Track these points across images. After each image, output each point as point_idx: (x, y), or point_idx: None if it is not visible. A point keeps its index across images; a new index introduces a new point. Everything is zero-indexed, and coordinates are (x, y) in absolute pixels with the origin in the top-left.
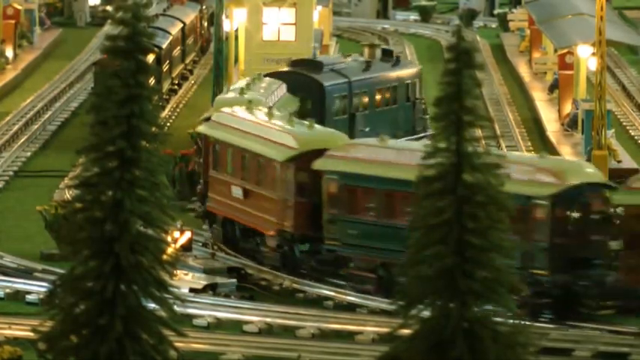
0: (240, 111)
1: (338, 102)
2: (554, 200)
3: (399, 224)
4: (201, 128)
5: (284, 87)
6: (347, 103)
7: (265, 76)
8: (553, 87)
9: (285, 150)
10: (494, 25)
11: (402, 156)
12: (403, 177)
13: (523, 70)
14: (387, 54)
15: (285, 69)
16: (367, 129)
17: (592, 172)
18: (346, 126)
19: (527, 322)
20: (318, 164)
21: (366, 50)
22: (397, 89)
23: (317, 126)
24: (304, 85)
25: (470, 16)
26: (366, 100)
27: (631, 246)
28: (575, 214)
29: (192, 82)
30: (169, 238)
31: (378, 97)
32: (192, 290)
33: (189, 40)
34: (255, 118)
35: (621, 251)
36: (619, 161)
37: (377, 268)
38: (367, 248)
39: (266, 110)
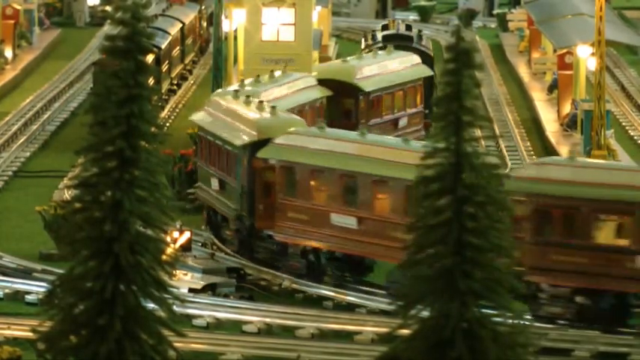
0: None
1: None
2: None
3: (211, 170)
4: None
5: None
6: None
7: (396, 48)
8: (552, 87)
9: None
10: (493, 25)
11: (225, 113)
12: (214, 131)
13: (522, 71)
14: (408, 28)
15: (396, 43)
16: None
17: None
18: None
19: (527, 322)
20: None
21: (400, 24)
22: None
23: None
24: (422, 59)
25: (469, 16)
26: None
27: None
28: None
29: (192, 82)
30: (169, 239)
31: None
32: (191, 290)
33: (189, 41)
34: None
35: None
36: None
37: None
38: (200, 189)
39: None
